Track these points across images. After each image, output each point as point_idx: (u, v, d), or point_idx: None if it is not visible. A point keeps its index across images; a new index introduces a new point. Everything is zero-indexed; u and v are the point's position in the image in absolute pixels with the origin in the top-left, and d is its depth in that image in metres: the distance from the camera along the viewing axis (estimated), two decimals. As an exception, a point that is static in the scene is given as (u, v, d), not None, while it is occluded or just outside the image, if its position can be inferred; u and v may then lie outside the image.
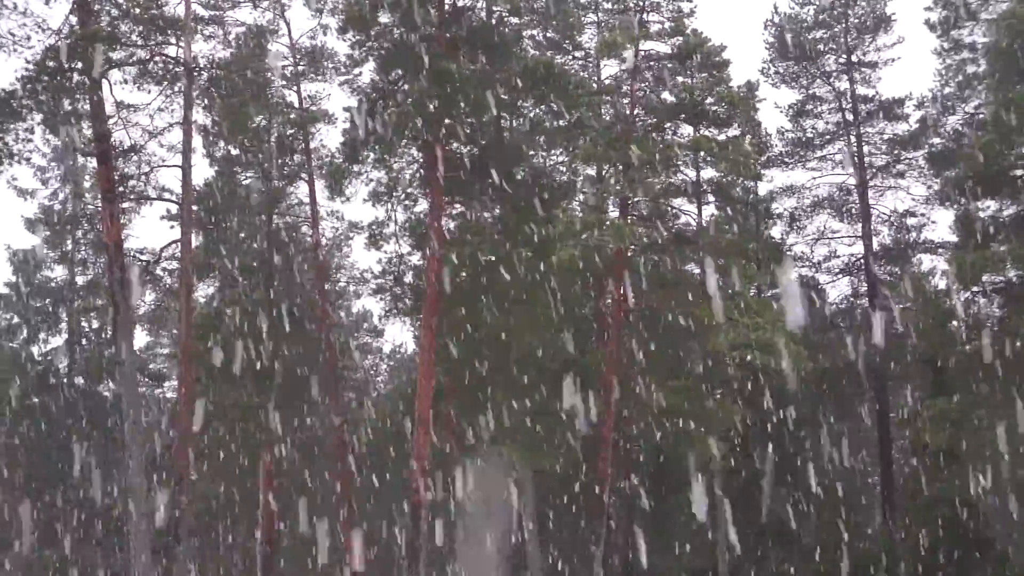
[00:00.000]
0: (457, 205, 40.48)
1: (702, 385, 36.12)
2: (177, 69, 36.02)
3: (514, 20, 39.53)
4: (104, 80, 33.74)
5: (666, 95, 39.86)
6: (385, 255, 43.92)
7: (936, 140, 46.51)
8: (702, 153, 37.81)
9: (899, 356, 41.43)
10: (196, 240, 40.30)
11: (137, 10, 34.28)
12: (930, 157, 46.43)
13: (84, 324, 58.01)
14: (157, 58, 35.90)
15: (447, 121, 36.28)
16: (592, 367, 38.43)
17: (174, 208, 40.37)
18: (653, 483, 45.31)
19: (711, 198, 41.76)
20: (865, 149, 48.31)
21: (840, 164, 48.79)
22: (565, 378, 30.41)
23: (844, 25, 48.21)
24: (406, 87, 37.43)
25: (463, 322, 36.49)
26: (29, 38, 32.22)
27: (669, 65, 39.17)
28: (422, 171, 39.62)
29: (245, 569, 49.16)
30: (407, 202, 42.09)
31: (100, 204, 35.87)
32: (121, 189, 36.36)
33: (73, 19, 32.81)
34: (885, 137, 48.55)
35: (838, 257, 49.42)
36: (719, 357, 35.77)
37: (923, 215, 48.06)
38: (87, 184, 50.96)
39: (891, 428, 45.32)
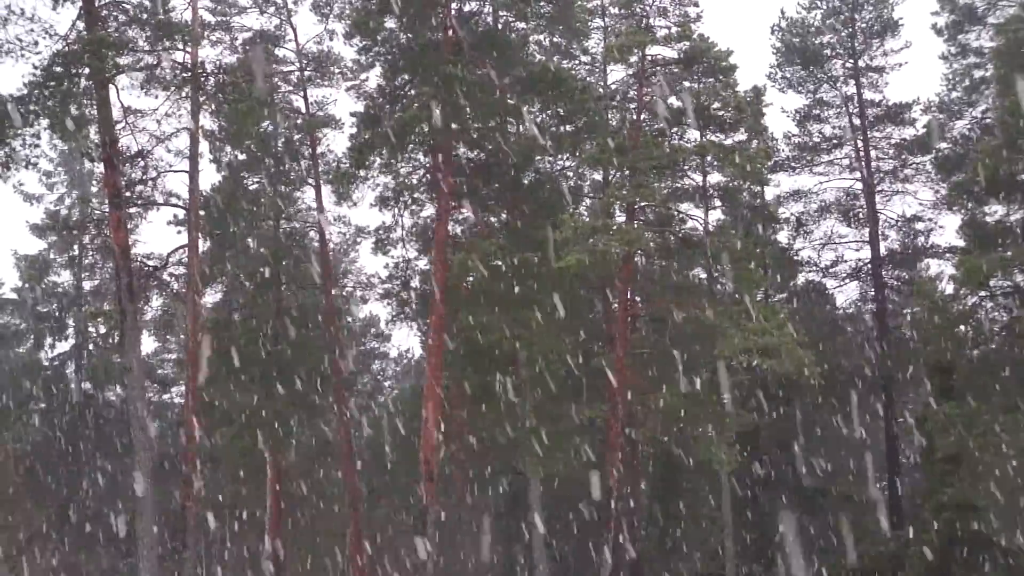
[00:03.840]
0: (464, 210, 40.50)
1: (709, 390, 36.08)
2: (184, 74, 36.05)
3: (520, 25, 39.57)
4: (111, 85, 33.79)
5: (673, 100, 39.81)
6: (392, 260, 44.01)
7: (943, 145, 46.43)
8: (709, 158, 37.78)
9: (906, 360, 41.31)
10: (203, 245, 40.35)
11: (144, 15, 34.31)
12: (937, 162, 46.36)
13: (91, 329, 58.05)
14: (164, 63, 35.93)
15: (453, 126, 36.30)
16: (599, 372, 38.40)
17: (181, 213, 40.44)
18: (661, 488, 45.29)
19: (718, 203, 41.71)
20: (872, 154, 48.25)
21: (847, 168, 48.78)
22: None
23: (851, 30, 48.19)
24: (413, 92, 37.44)
25: (470, 327, 36.49)
26: (36, 43, 32.19)
27: (676, 70, 39.13)
28: (429, 176, 39.65)
29: (252, 573, 49.11)
30: (414, 207, 42.14)
31: (107, 209, 35.88)
32: (128, 194, 36.37)
33: (80, 25, 32.82)
34: (892, 142, 48.51)
35: (845, 262, 49.37)
36: (726, 362, 35.70)
37: (930, 219, 48.02)
38: (94, 189, 51.09)
39: (898, 432, 45.23)
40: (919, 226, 48.22)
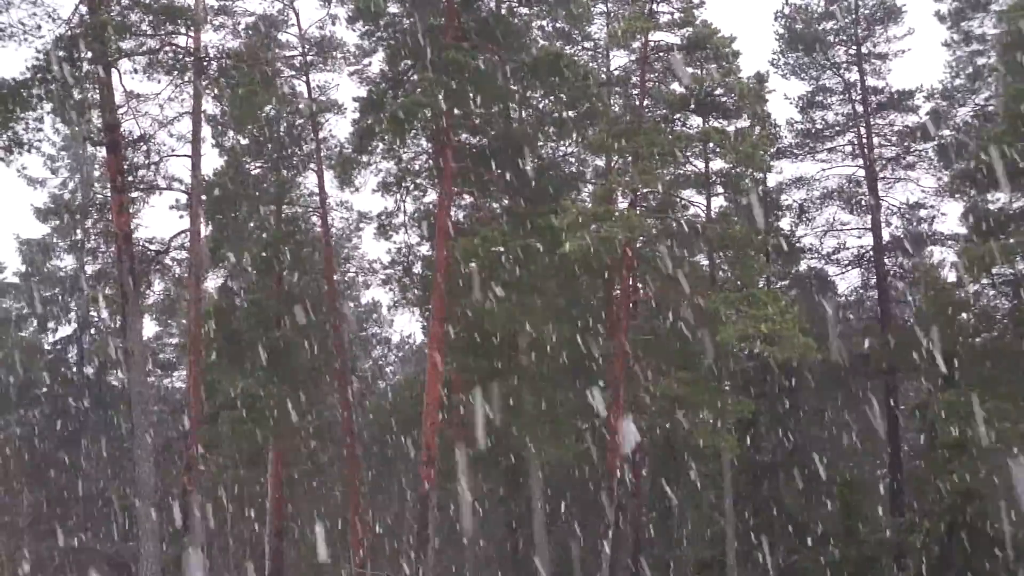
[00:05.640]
0: (466, 196, 40.48)
1: (711, 376, 36.12)
2: (187, 59, 36.01)
3: (523, 10, 39.50)
4: (114, 70, 33.77)
5: (675, 86, 39.74)
6: (394, 245, 44.04)
7: (946, 132, 46.36)
8: (711, 144, 37.71)
9: (909, 348, 41.31)
10: (205, 230, 40.36)
11: (147, -1, 34.28)
12: (940, 149, 46.29)
13: (93, 313, 58.17)
14: (167, 48, 35.89)
15: (456, 111, 36.27)
16: (601, 358, 38.40)
17: (183, 198, 40.41)
18: (662, 473, 45.35)
19: (720, 189, 41.66)
20: (875, 141, 48.19)
21: (850, 156, 48.71)
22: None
23: (854, 16, 48.04)
24: (415, 77, 37.39)
25: (471, 313, 36.49)
26: (39, 27, 32.18)
27: (679, 56, 39.03)
28: (431, 161, 39.62)
29: (254, 558, 49.25)
30: (416, 192, 42.14)
31: (110, 193, 35.90)
32: (130, 179, 36.37)
33: (83, 8, 32.80)
34: (895, 129, 48.44)
35: (847, 249, 49.32)
36: (728, 348, 35.71)
37: (933, 207, 47.94)
38: (97, 174, 51.13)
39: (900, 420, 45.26)
40: (921, 213, 48.21)
